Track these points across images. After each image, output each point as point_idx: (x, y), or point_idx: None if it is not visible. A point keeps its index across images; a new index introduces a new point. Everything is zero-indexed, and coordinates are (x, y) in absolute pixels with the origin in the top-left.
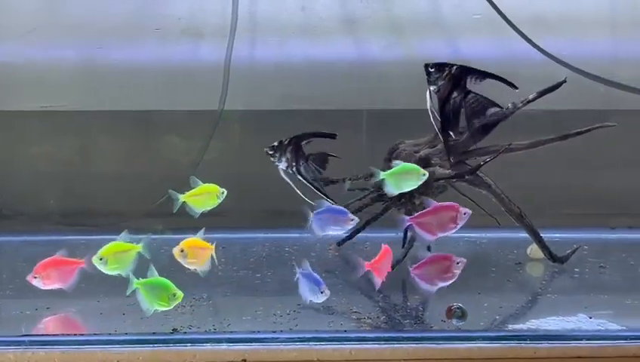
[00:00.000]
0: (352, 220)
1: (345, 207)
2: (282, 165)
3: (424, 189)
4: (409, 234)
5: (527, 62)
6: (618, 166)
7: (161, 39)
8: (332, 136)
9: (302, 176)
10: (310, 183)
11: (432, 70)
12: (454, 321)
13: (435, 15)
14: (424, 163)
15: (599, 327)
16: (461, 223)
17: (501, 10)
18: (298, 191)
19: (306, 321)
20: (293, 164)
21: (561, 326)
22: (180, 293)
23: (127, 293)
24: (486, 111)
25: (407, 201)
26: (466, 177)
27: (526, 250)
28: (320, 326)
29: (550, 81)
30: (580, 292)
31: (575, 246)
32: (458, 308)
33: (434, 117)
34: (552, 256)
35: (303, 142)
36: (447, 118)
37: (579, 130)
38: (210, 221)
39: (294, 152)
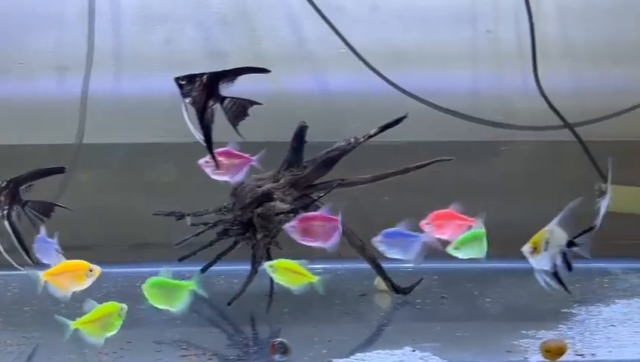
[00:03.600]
0: None
1: (180, 243)
2: None
3: (265, 223)
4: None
5: (391, 96)
6: (474, 196)
7: (24, 73)
8: (61, 171)
9: (10, 222)
10: (13, 232)
11: (183, 82)
12: (277, 357)
13: (302, 50)
14: (266, 197)
15: (420, 361)
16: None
17: (366, 45)
18: None
19: (132, 359)
20: (6, 208)
21: (383, 359)
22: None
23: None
24: (246, 111)
25: (252, 236)
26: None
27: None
28: None
29: (411, 113)
30: (415, 324)
31: (421, 277)
32: (280, 344)
33: (194, 128)
34: (394, 288)
35: (22, 187)
36: (207, 127)
37: (419, 163)
38: (73, 255)
39: (10, 196)
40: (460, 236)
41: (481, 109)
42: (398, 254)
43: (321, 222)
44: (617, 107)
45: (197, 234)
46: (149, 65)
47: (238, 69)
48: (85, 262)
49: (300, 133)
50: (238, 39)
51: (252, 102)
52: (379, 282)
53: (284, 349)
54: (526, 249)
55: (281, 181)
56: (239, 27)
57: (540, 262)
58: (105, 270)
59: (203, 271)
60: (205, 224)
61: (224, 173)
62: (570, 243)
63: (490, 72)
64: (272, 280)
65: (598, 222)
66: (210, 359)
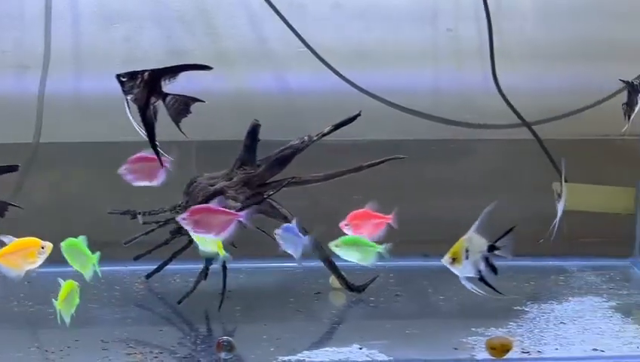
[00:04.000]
0: None
1: (129, 242)
2: None
3: None
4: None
5: (352, 94)
6: (433, 194)
7: None
8: (14, 169)
9: None
10: None
11: (125, 79)
12: (223, 355)
13: (262, 48)
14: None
15: (366, 358)
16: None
17: (327, 43)
18: None
19: (77, 358)
20: None
21: (329, 357)
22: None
23: None
24: (189, 108)
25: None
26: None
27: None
28: None
29: (371, 112)
30: (366, 322)
31: (375, 275)
32: (226, 342)
33: (137, 126)
34: (348, 286)
35: None
36: (150, 124)
37: (371, 162)
38: None
39: None
40: (346, 236)
41: (441, 108)
42: (290, 249)
43: (214, 214)
44: (576, 106)
45: (147, 233)
46: (108, 63)
47: (178, 65)
48: (36, 239)
49: (253, 131)
50: (198, 37)
51: (195, 100)
52: (333, 280)
53: (229, 347)
54: (446, 260)
55: (234, 179)
56: (199, 25)
57: (464, 271)
58: (61, 269)
59: (157, 270)
60: (157, 222)
61: (143, 179)
62: (491, 248)
63: (450, 70)
64: (224, 279)
65: (556, 224)
66: (156, 357)
